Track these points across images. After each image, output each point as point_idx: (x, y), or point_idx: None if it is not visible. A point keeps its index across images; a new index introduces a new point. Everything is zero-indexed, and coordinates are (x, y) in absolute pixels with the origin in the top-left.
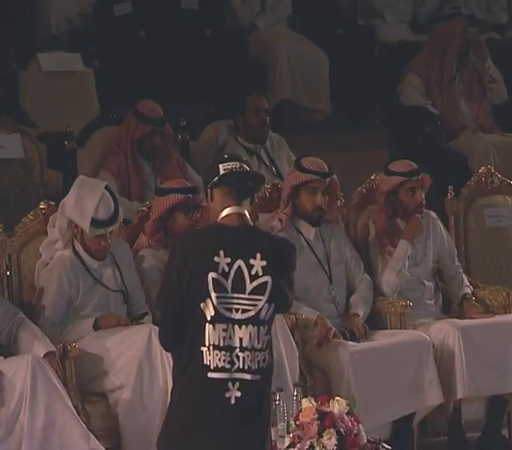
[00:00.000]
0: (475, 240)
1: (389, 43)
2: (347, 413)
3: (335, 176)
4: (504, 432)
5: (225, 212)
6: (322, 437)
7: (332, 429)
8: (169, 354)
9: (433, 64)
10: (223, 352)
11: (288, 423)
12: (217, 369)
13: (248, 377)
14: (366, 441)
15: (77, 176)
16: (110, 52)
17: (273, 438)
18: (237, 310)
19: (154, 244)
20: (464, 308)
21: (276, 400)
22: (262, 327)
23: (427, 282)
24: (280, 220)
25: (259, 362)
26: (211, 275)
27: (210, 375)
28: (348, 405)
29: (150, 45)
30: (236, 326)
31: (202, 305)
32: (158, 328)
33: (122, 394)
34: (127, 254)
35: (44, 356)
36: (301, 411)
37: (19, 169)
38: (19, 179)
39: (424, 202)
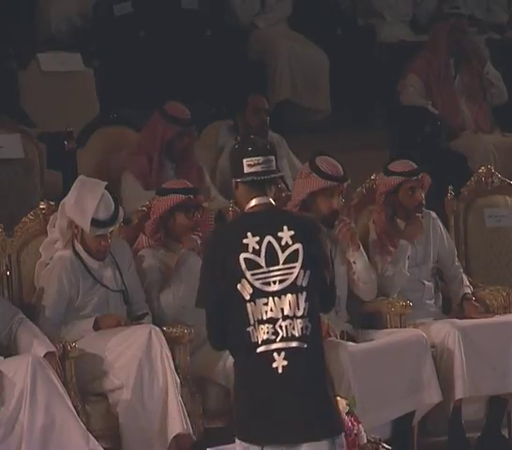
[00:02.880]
0: (475, 240)
1: (389, 43)
2: (347, 413)
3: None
4: (504, 432)
5: (252, 203)
6: None
7: None
8: (169, 354)
9: (433, 64)
10: (267, 325)
11: None
12: (263, 343)
13: (293, 344)
14: (366, 441)
15: (77, 176)
16: (110, 51)
17: None
18: (274, 282)
19: (154, 244)
20: (464, 308)
21: None
22: (300, 294)
23: (427, 282)
24: None
25: (302, 329)
26: (242, 256)
27: (258, 350)
28: (348, 405)
29: (150, 45)
30: (276, 298)
31: (239, 286)
32: (157, 328)
33: (122, 394)
34: (127, 254)
35: (44, 356)
36: None
37: (19, 169)
38: (19, 179)
39: (424, 202)
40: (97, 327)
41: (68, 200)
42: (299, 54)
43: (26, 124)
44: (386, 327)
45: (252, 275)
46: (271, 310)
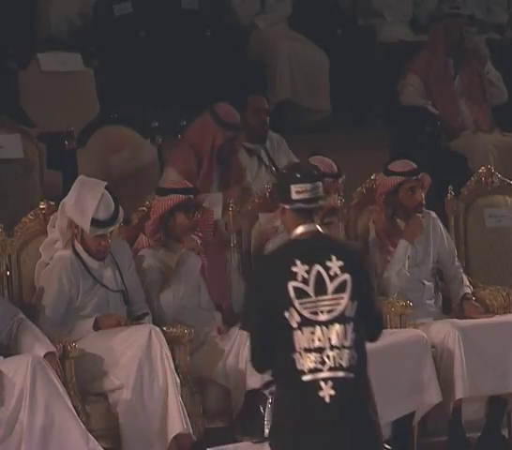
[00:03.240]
0: (475, 240)
1: (389, 43)
2: None
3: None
4: (504, 432)
5: (299, 230)
6: None
7: None
8: (169, 354)
9: (433, 64)
10: (314, 354)
11: None
12: (310, 371)
13: (341, 374)
14: None
15: (77, 176)
16: (110, 51)
17: None
18: (322, 312)
19: (154, 244)
20: (464, 308)
21: None
22: (347, 324)
23: (427, 282)
24: None
25: (349, 359)
26: (291, 284)
27: (304, 378)
28: None
29: (150, 45)
30: (324, 327)
31: (286, 314)
32: (157, 328)
33: (122, 394)
34: (127, 254)
35: (44, 356)
36: None
37: (19, 169)
38: (19, 179)
39: (424, 202)
40: (97, 327)
41: (68, 200)
42: (299, 54)
43: (26, 124)
44: (386, 327)
45: (301, 303)
46: (319, 340)
